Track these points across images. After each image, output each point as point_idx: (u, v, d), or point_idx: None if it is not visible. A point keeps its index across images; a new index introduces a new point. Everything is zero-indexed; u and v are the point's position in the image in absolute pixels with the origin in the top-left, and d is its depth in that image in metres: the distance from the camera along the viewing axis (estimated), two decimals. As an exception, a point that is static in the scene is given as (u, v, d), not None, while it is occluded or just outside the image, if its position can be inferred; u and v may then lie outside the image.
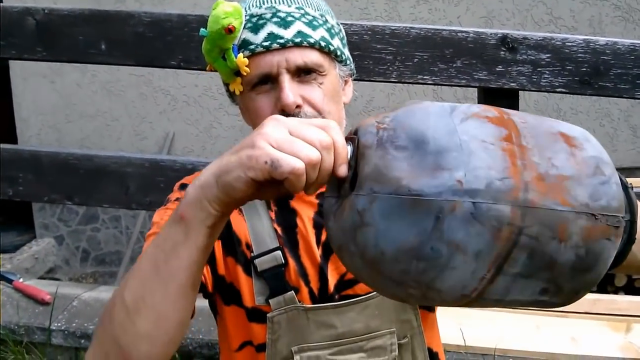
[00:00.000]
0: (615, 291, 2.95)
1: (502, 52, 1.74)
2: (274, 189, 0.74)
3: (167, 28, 1.82)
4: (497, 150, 0.65)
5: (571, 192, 0.67)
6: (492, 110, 0.71)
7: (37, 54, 1.94)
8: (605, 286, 2.97)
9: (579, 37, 1.75)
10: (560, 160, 0.68)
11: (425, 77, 1.76)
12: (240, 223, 1.09)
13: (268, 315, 1.06)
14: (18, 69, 4.36)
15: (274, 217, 1.11)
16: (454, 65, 1.75)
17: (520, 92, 1.81)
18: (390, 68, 1.76)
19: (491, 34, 1.75)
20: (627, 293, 2.87)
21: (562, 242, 0.66)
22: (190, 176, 1.18)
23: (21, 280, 2.71)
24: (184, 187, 1.13)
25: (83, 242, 4.67)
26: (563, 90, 1.76)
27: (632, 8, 4.20)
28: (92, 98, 4.44)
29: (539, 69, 1.74)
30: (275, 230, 1.09)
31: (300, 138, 0.71)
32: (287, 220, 1.11)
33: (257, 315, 1.08)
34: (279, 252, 1.07)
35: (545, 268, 0.67)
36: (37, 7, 1.91)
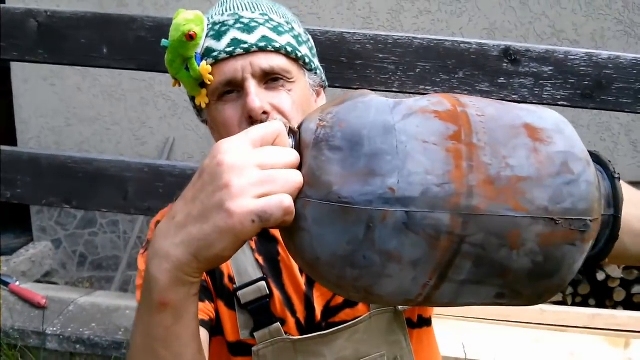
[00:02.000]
0: (614, 306, 2.95)
1: (505, 64, 1.74)
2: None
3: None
4: (440, 152, 0.60)
5: (527, 195, 0.60)
6: (445, 103, 0.65)
7: (38, 56, 1.93)
8: (604, 301, 2.96)
9: (582, 50, 1.74)
10: (518, 158, 0.61)
11: (427, 88, 1.75)
12: None
13: (253, 349, 1.02)
14: (19, 71, 4.36)
15: (254, 247, 1.06)
16: (456, 76, 1.74)
17: (521, 104, 1.81)
18: (392, 78, 1.75)
19: (494, 45, 1.74)
20: (625, 308, 2.86)
21: (513, 249, 0.60)
22: (165, 210, 1.12)
23: (17, 283, 2.71)
24: None
25: (80, 246, 4.65)
26: (565, 103, 1.75)
27: (634, 23, 4.20)
28: (93, 102, 4.44)
29: (541, 82, 1.74)
30: (257, 261, 1.05)
31: (272, 167, 0.63)
32: (268, 249, 1.06)
33: (240, 349, 1.03)
34: (263, 283, 1.03)
35: (497, 275, 0.62)
36: (40, 9, 1.91)
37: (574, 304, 3.05)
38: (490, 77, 1.74)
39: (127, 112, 4.44)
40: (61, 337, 2.44)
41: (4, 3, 4.10)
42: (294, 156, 0.64)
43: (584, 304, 3.01)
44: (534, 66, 1.73)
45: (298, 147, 0.67)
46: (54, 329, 2.46)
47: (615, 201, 0.69)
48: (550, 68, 1.73)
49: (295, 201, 0.63)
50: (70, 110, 4.47)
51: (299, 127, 0.69)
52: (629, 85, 1.74)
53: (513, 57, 1.73)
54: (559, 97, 1.74)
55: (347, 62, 1.75)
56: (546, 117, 0.67)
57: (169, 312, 0.68)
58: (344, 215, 0.60)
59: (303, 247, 0.63)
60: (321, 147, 0.63)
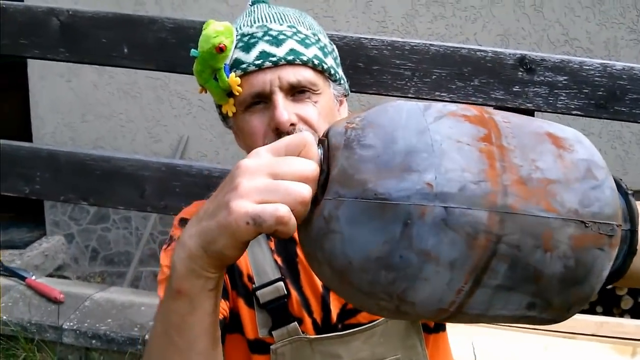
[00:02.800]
0: (622, 314, 2.95)
1: (520, 73, 1.75)
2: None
3: (190, 35, 1.84)
4: (473, 151, 0.60)
5: (557, 197, 0.60)
6: (471, 109, 0.65)
7: (59, 55, 1.96)
8: (612, 309, 2.97)
9: (596, 61, 1.76)
10: (546, 162, 0.62)
11: (442, 94, 1.77)
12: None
13: (272, 347, 1.04)
14: (36, 67, 4.40)
15: (273, 248, 1.09)
16: (472, 83, 1.76)
17: (536, 112, 1.82)
18: (409, 84, 1.77)
19: (510, 54, 1.76)
20: (633, 316, 2.87)
21: (547, 251, 0.60)
22: (189, 208, 1.16)
23: (34, 277, 2.73)
24: (183, 222, 1.11)
25: (93, 241, 4.69)
26: (579, 113, 1.77)
27: (648, 32, 4.21)
28: (109, 99, 4.47)
29: (555, 91, 1.75)
30: (276, 261, 1.07)
31: (284, 177, 0.65)
32: (287, 250, 1.09)
33: (259, 346, 1.06)
34: (281, 284, 1.05)
35: (530, 280, 0.61)
36: (62, 8, 1.94)
37: (581, 312, 3.06)
38: (505, 85, 1.76)
39: (142, 109, 4.47)
40: (77, 332, 2.47)
41: (22, 1, 4.15)
42: (311, 168, 0.65)
43: (592, 311, 3.02)
44: (549, 75, 1.75)
45: (327, 156, 0.66)
46: (71, 323, 2.49)
47: (631, 216, 0.69)
48: (565, 78, 1.75)
49: (324, 203, 0.63)
50: (85, 107, 4.51)
51: (326, 136, 0.69)
52: (643, 96, 1.76)
53: (528, 66, 1.75)
54: (573, 106, 1.76)
55: (364, 67, 1.77)
56: (565, 129, 0.68)
57: (184, 301, 0.72)
58: (381, 212, 0.58)
59: (334, 251, 0.61)
60: (352, 147, 0.62)
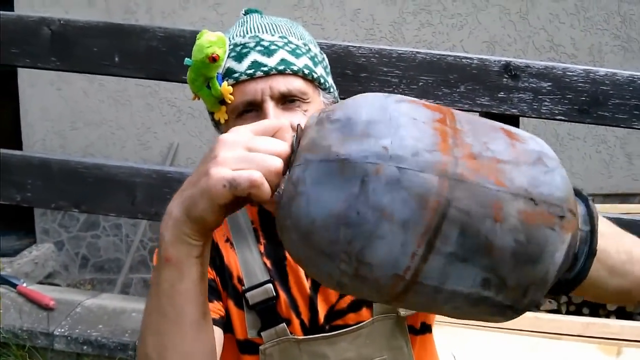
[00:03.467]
0: (608, 315, 2.99)
1: (505, 79, 1.78)
2: (246, 201, 0.75)
3: (180, 43, 1.86)
4: (428, 128, 0.66)
5: (507, 174, 0.64)
6: (431, 103, 0.72)
7: (51, 64, 1.97)
8: (598, 310, 3.00)
9: (580, 67, 1.79)
10: (497, 145, 0.67)
11: (429, 101, 1.80)
12: (231, 257, 1.10)
13: (260, 347, 1.07)
14: (26, 75, 4.41)
15: (263, 251, 1.11)
16: (458, 90, 1.79)
17: (520, 118, 1.85)
18: (396, 91, 1.80)
19: (495, 61, 1.79)
20: (618, 317, 2.90)
21: (497, 222, 0.63)
22: None
23: (25, 284, 2.74)
24: None
25: (83, 248, 4.69)
26: (562, 118, 1.80)
27: (631, 38, 4.26)
28: (99, 106, 4.49)
29: (539, 97, 1.78)
30: (265, 264, 1.10)
31: (258, 151, 0.73)
32: (276, 253, 1.11)
33: (248, 347, 1.08)
34: (270, 285, 1.07)
35: (482, 251, 0.64)
36: (53, 17, 1.95)
37: (568, 313, 3.08)
38: (491, 92, 1.79)
39: (132, 117, 4.49)
40: (69, 338, 2.48)
41: (12, 10, 4.15)
42: (282, 147, 0.73)
43: (578, 312, 3.05)
44: (533, 81, 1.78)
45: (298, 141, 0.73)
46: (62, 330, 2.50)
47: (590, 218, 0.74)
48: (549, 84, 1.78)
49: (293, 169, 0.70)
50: (75, 115, 4.52)
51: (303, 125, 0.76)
52: (625, 102, 1.79)
53: (513, 73, 1.78)
54: (556, 111, 1.79)
55: (352, 75, 1.80)
56: (521, 130, 0.73)
57: (173, 268, 0.78)
58: (341, 170, 0.65)
59: (300, 213, 0.67)
60: (322, 122, 0.70)
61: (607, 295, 0.88)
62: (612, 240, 0.80)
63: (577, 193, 0.76)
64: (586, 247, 0.73)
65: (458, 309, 0.69)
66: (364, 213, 0.63)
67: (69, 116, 4.52)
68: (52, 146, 4.54)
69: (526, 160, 0.66)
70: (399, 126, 0.65)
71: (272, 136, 0.76)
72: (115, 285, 4.33)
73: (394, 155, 0.63)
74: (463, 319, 0.74)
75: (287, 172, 0.73)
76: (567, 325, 2.45)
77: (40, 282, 4.23)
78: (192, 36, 1.95)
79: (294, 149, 0.73)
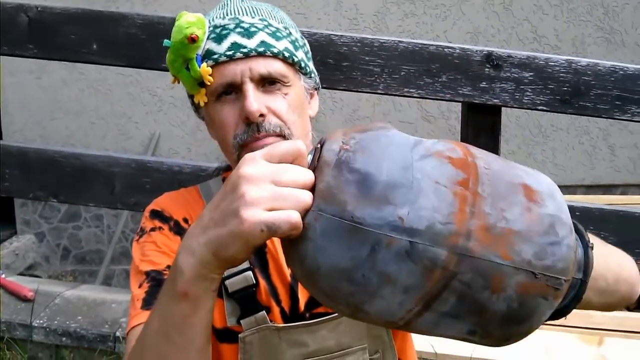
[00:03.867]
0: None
1: (487, 69, 1.78)
2: None
3: (159, 30, 1.83)
4: (448, 194, 0.65)
5: (515, 247, 0.66)
6: (457, 150, 0.70)
7: (28, 51, 1.93)
8: (580, 300, 3.02)
9: (562, 57, 1.79)
10: (513, 214, 0.67)
11: (411, 90, 1.79)
12: None
13: (240, 335, 1.05)
14: (5, 64, 4.35)
15: None
16: (440, 79, 1.78)
17: (502, 108, 1.85)
18: (378, 80, 1.79)
19: (477, 50, 1.78)
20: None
21: (494, 292, 0.66)
22: (160, 199, 1.17)
23: (4, 276, 2.71)
24: (154, 214, 1.13)
25: (64, 239, 4.66)
26: (544, 108, 1.80)
27: (613, 29, 4.28)
28: (79, 96, 4.44)
29: (521, 87, 1.78)
30: None
31: (286, 185, 0.68)
32: None
33: (227, 335, 1.07)
34: (249, 273, 1.06)
35: (475, 313, 0.68)
36: (31, 4, 1.92)
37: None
38: (473, 82, 1.78)
39: (112, 106, 4.45)
40: (47, 329, 2.46)
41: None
42: (309, 177, 0.69)
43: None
44: (515, 71, 1.78)
45: (316, 164, 0.71)
46: (41, 321, 2.48)
47: (585, 268, 0.76)
48: (531, 74, 1.78)
49: (307, 212, 0.67)
50: (55, 104, 4.47)
51: (321, 146, 0.73)
52: (606, 92, 1.79)
53: (495, 62, 1.78)
54: (538, 102, 1.79)
55: (334, 64, 1.78)
56: (542, 181, 0.73)
57: (189, 302, 0.75)
58: (353, 233, 0.64)
59: (306, 255, 0.67)
60: (342, 168, 0.67)
61: (592, 308, 0.89)
62: (601, 265, 0.81)
63: (580, 235, 0.78)
64: (573, 292, 0.76)
65: (442, 337, 0.73)
66: (368, 276, 0.65)
67: (49, 106, 4.47)
68: (32, 136, 4.49)
69: (538, 230, 0.68)
70: (419, 193, 0.65)
71: (292, 162, 0.72)
72: (97, 276, 4.30)
73: (409, 228, 0.64)
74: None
75: None
76: (548, 315, 2.46)
77: (21, 274, 4.19)
78: (172, 23, 1.91)
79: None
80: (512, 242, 0.66)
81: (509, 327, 0.69)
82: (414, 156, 0.67)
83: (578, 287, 0.76)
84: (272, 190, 0.68)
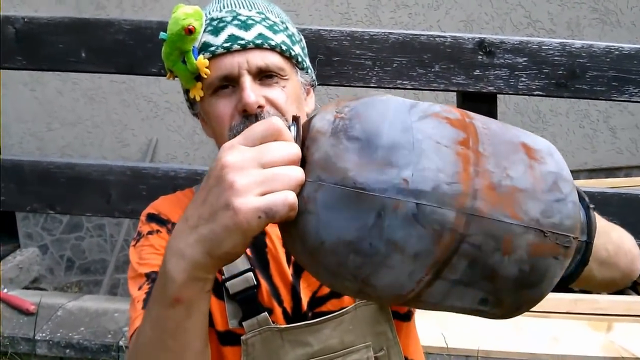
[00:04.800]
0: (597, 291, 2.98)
1: (480, 57, 1.76)
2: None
3: (147, 35, 1.82)
4: (451, 154, 0.63)
5: (522, 205, 0.64)
6: (454, 112, 0.68)
7: (17, 63, 1.92)
8: (587, 286, 3.00)
9: (555, 40, 1.77)
10: (517, 171, 0.66)
11: (404, 82, 1.77)
12: None
13: (242, 337, 1.04)
14: (-2, 77, 4.35)
15: None
16: (432, 70, 1.76)
17: (499, 95, 1.83)
18: (370, 73, 1.77)
19: (468, 38, 1.76)
20: (607, 292, 2.90)
21: (505, 254, 0.64)
22: (157, 203, 1.16)
23: (5, 290, 2.70)
24: (151, 217, 1.11)
25: (67, 251, 4.65)
26: (540, 93, 1.77)
27: (609, 10, 4.25)
28: (74, 105, 4.43)
29: (516, 73, 1.76)
30: (245, 252, 1.06)
31: (273, 164, 0.65)
32: (256, 240, 1.08)
33: (229, 338, 1.05)
34: (250, 274, 1.05)
35: (487, 279, 0.65)
36: (17, 15, 1.90)
37: (556, 290, 3.09)
38: (466, 70, 1.76)
39: (108, 114, 4.43)
40: (50, 342, 2.45)
41: (-19, 9, 4.08)
42: (295, 150, 0.66)
43: (567, 289, 3.05)
44: (509, 57, 1.76)
45: (301, 137, 0.68)
46: (43, 334, 2.47)
47: (589, 229, 0.74)
48: (525, 59, 1.76)
49: (305, 184, 0.65)
50: (51, 115, 4.46)
51: (310, 120, 0.70)
52: (603, 73, 1.77)
53: (488, 49, 1.76)
54: (534, 87, 1.77)
55: (324, 59, 1.76)
56: (539, 141, 0.72)
57: (182, 308, 0.73)
58: (357, 200, 0.62)
59: (307, 231, 0.64)
60: (339, 136, 0.64)
61: (594, 285, 0.88)
62: (602, 234, 0.79)
63: (580, 198, 0.76)
64: (579, 256, 0.74)
65: (452, 311, 0.71)
66: (375, 245, 0.62)
67: (45, 117, 4.46)
68: (30, 148, 4.48)
69: (542, 188, 0.66)
70: (422, 153, 0.62)
71: (274, 141, 0.68)
72: (102, 286, 4.29)
73: (414, 190, 0.61)
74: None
75: None
76: (556, 302, 2.45)
77: (26, 287, 4.19)
78: (160, 27, 1.92)
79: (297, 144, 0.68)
80: (519, 201, 0.64)
81: (522, 292, 0.67)
82: (412, 117, 0.65)
83: (583, 251, 0.74)
84: (260, 173, 0.65)
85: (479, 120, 0.69)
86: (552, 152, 0.71)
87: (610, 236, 0.85)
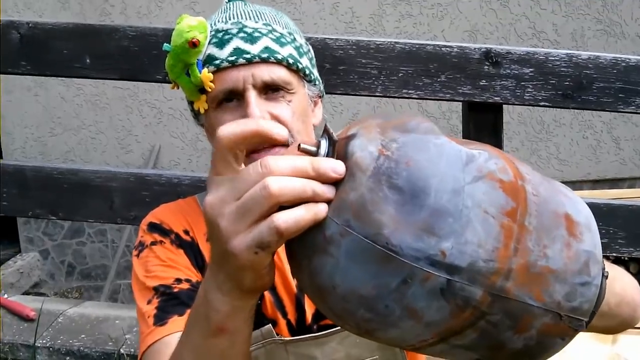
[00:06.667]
0: (600, 302, 2.97)
1: (486, 67, 1.75)
2: None
3: (152, 42, 1.81)
4: (496, 226, 0.58)
5: (549, 287, 0.61)
6: (508, 171, 0.62)
7: (21, 68, 1.91)
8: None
9: (562, 51, 1.76)
10: (554, 250, 0.62)
11: (410, 92, 1.77)
12: None
13: None
14: (2, 82, 4.34)
15: None
16: (439, 79, 1.76)
17: (504, 105, 1.82)
18: (375, 82, 1.76)
19: (475, 48, 1.75)
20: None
21: (517, 333, 0.62)
22: (157, 211, 1.14)
23: (5, 296, 2.69)
24: (153, 227, 1.09)
25: (68, 256, 4.64)
26: (546, 104, 1.77)
27: (613, 22, 4.25)
28: (77, 111, 4.43)
29: (522, 83, 1.75)
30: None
31: (245, 191, 0.58)
32: None
33: None
34: None
35: (491, 349, 0.63)
36: (22, 20, 1.90)
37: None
38: (472, 80, 1.75)
39: (111, 120, 4.43)
40: (51, 349, 2.44)
41: (-15, 14, 4.08)
42: (263, 173, 0.58)
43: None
44: (515, 68, 1.75)
45: (332, 154, 0.61)
46: (44, 341, 2.46)
47: (597, 298, 0.70)
48: (531, 69, 1.75)
49: (330, 221, 0.58)
50: (54, 120, 4.45)
51: (347, 139, 0.62)
52: (609, 85, 1.76)
53: (494, 60, 1.75)
54: (540, 98, 1.76)
55: (330, 68, 1.76)
56: (581, 209, 0.68)
57: (226, 337, 0.70)
58: (385, 261, 0.57)
59: (321, 270, 0.59)
60: (381, 181, 0.57)
61: (592, 330, 0.87)
62: (607, 290, 0.77)
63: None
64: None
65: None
66: (391, 308, 0.58)
67: (48, 122, 4.46)
68: (33, 153, 4.48)
69: (573, 270, 0.63)
70: (467, 225, 0.57)
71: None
72: (103, 292, 4.27)
73: (450, 265, 0.56)
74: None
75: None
76: (560, 314, 2.42)
77: (27, 292, 4.17)
78: (165, 34, 1.91)
79: (327, 152, 0.60)
80: (547, 282, 0.61)
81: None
82: (465, 177, 0.58)
83: (589, 318, 0.71)
84: (235, 206, 0.59)
85: (531, 182, 0.64)
86: (590, 226, 0.67)
87: (614, 290, 0.82)
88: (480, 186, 0.59)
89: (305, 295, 1.05)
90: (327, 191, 0.58)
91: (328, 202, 0.59)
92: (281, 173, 0.58)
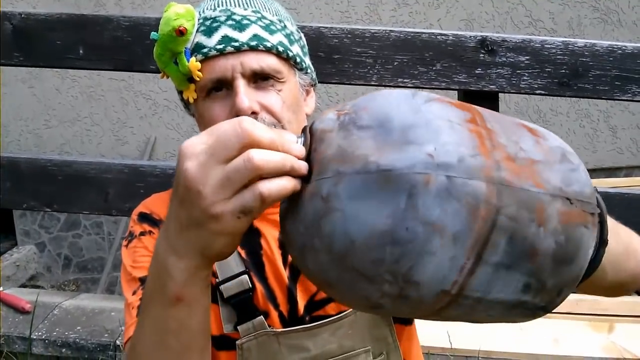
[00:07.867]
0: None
1: (482, 55, 1.74)
2: None
3: (146, 32, 1.80)
4: (464, 130, 0.61)
5: (542, 175, 0.63)
6: (453, 100, 0.67)
7: (14, 59, 1.91)
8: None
9: (558, 39, 1.76)
10: (527, 144, 0.64)
11: (405, 80, 1.76)
12: None
13: (237, 342, 1.01)
14: (-4, 74, 4.33)
15: None
16: (434, 68, 1.75)
17: (500, 94, 1.82)
18: (371, 71, 1.76)
19: (470, 36, 1.75)
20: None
21: (540, 225, 0.61)
22: (149, 201, 1.13)
23: (1, 289, 2.69)
24: (143, 217, 1.08)
25: (65, 248, 4.63)
26: (542, 92, 1.76)
27: (610, 9, 4.24)
28: (72, 103, 4.41)
29: (518, 71, 1.75)
30: (239, 254, 1.03)
31: (231, 156, 0.62)
32: (251, 242, 1.05)
33: (224, 343, 1.02)
34: (245, 277, 1.01)
35: (526, 257, 0.62)
36: (14, 11, 1.89)
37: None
38: (468, 68, 1.75)
39: (107, 112, 4.41)
40: (46, 341, 2.44)
41: (-21, 6, 4.06)
42: (246, 135, 0.62)
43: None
44: (511, 56, 1.74)
45: (310, 141, 0.66)
46: (39, 333, 2.45)
47: (599, 206, 0.71)
48: (527, 57, 1.75)
49: (320, 182, 0.62)
50: (49, 112, 4.43)
51: (310, 126, 0.68)
52: (605, 72, 1.76)
53: (490, 48, 1.74)
54: (536, 86, 1.76)
55: (325, 57, 1.75)
56: (535, 125, 0.71)
57: (184, 306, 0.71)
58: (385, 184, 0.58)
59: (334, 232, 0.60)
60: (349, 128, 0.62)
61: (602, 289, 0.85)
62: (611, 233, 0.76)
63: None
64: (597, 235, 0.71)
65: (491, 316, 0.68)
66: (413, 229, 0.58)
67: (43, 114, 4.43)
68: (28, 146, 4.46)
69: (554, 159, 0.65)
70: (438, 130, 0.60)
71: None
72: (99, 284, 4.27)
73: (441, 163, 0.58)
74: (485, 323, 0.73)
75: (303, 184, 0.64)
76: (556, 303, 2.43)
77: (24, 285, 4.17)
78: (158, 24, 1.89)
79: (307, 153, 0.65)
80: (538, 171, 0.63)
81: (561, 269, 0.65)
82: (418, 101, 0.63)
83: (601, 230, 0.72)
84: (220, 173, 0.62)
85: (477, 106, 0.69)
86: (549, 132, 0.71)
87: (619, 233, 0.82)
88: (434, 105, 0.63)
89: (297, 287, 1.05)
90: (303, 166, 0.64)
91: (303, 178, 0.64)
92: (260, 140, 0.63)
